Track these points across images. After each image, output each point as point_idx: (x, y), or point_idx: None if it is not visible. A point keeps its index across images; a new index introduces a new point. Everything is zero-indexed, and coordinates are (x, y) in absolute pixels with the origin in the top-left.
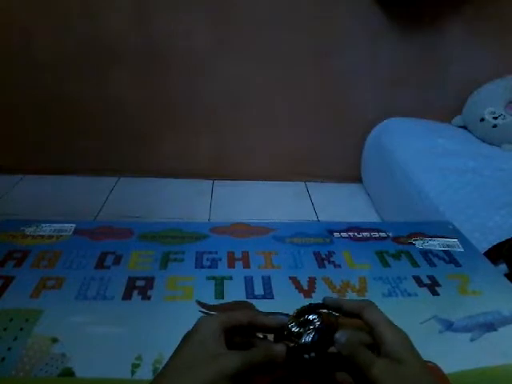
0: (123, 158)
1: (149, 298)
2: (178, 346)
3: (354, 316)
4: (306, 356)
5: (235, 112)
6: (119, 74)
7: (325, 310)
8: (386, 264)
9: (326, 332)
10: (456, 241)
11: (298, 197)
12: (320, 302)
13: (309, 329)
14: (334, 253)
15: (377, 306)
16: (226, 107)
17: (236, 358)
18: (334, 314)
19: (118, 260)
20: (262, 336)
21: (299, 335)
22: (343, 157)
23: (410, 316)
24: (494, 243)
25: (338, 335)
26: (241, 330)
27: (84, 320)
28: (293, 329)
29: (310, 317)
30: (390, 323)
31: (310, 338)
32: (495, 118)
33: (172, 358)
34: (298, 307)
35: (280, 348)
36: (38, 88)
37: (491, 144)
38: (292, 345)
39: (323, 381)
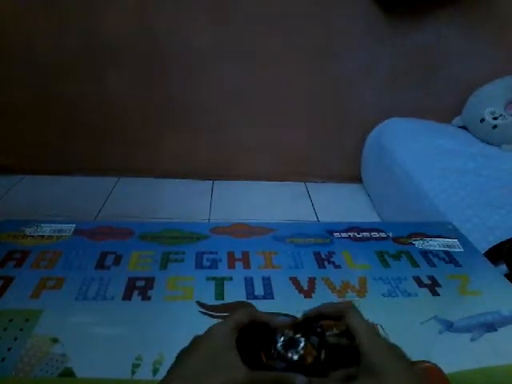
0: (123, 158)
1: (149, 298)
2: (187, 351)
3: (335, 319)
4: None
5: (235, 112)
6: (119, 74)
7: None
8: (386, 264)
9: (298, 366)
10: (456, 241)
11: (298, 197)
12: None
13: (286, 355)
14: (333, 253)
15: (357, 310)
16: (225, 107)
17: (246, 373)
18: (318, 342)
19: (118, 260)
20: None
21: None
22: (343, 157)
23: (410, 316)
24: (494, 243)
25: (297, 381)
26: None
27: (84, 320)
28: (277, 345)
29: (299, 339)
30: (369, 331)
31: (283, 366)
32: (495, 119)
33: (180, 364)
34: (300, 312)
35: (290, 379)
36: (37, 88)
37: (491, 144)
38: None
39: None
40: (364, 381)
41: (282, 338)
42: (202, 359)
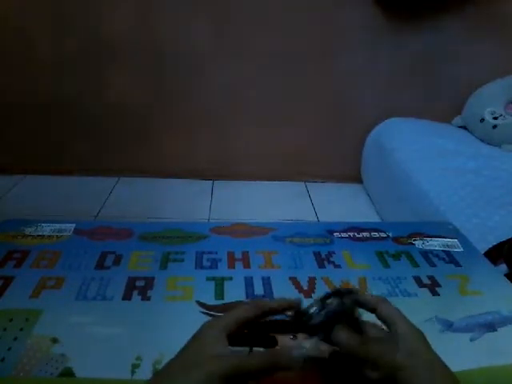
0: (123, 158)
1: (149, 298)
2: (182, 347)
3: (368, 310)
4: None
5: (235, 112)
6: (119, 74)
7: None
8: (385, 264)
9: (335, 316)
10: (456, 241)
11: (298, 197)
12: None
13: (322, 310)
14: (334, 253)
15: (391, 303)
16: (225, 107)
17: (229, 360)
18: (352, 302)
19: (118, 260)
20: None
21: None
22: (343, 157)
23: (410, 316)
24: (494, 243)
25: (335, 334)
26: (253, 324)
27: (84, 320)
28: (310, 311)
29: (328, 300)
30: (406, 319)
31: (320, 319)
32: (495, 119)
33: (172, 359)
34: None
35: (283, 354)
36: (37, 88)
37: (491, 144)
38: (304, 320)
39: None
40: (405, 361)
41: (314, 307)
42: (191, 353)
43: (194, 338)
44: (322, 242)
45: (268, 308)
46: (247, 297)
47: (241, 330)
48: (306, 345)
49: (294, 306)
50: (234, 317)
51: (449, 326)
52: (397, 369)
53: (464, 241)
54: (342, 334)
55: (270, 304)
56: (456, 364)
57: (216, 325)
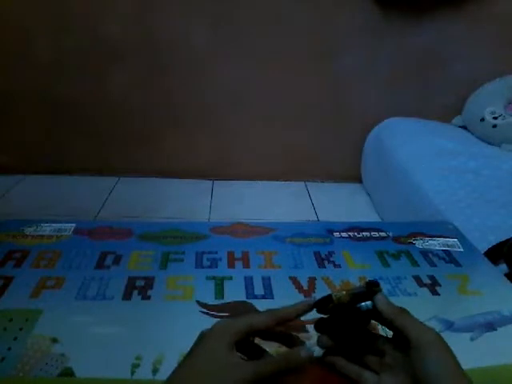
0: (123, 158)
1: (149, 297)
2: (191, 349)
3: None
4: (363, 305)
5: (235, 112)
6: (119, 74)
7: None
8: (385, 264)
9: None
10: (456, 241)
11: (298, 197)
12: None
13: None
14: (333, 253)
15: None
16: (226, 107)
17: (248, 368)
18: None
19: (117, 260)
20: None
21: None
22: (343, 157)
23: None
24: (494, 243)
25: (378, 298)
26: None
27: (84, 320)
28: (337, 295)
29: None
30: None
31: (364, 288)
32: (495, 118)
33: (184, 364)
34: None
35: (294, 357)
36: (37, 88)
37: (491, 144)
38: (348, 293)
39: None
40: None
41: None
42: (205, 359)
43: (206, 340)
44: (322, 241)
45: (281, 318)
46: (247, 297)
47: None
48: (309, 345)
49: (306, 310)
50: (247, 325)
51: (449, 326)
52: (420, 344)
53: (464, 241)
54: (382, 299)
55: (284, 314)
56: None
57: (229, 330)
